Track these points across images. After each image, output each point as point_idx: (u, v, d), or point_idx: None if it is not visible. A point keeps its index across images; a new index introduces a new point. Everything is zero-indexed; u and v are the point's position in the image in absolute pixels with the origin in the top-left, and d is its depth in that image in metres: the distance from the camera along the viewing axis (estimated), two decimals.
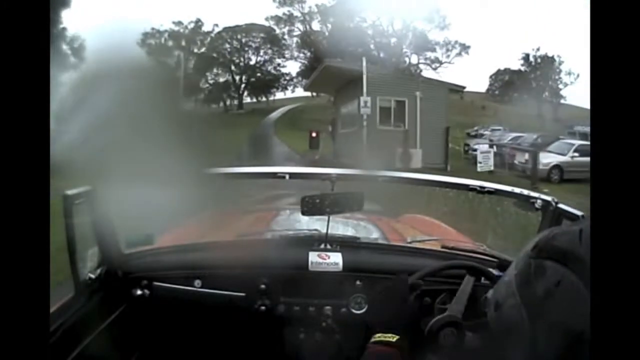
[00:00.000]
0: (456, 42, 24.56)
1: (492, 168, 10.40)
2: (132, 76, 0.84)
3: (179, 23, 24.00)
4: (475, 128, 20.32)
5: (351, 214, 1.45)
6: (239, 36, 25.56)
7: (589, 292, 0.41)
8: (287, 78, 26.65)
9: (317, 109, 22.05)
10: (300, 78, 25.90)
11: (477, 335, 1.01)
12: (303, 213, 1.20)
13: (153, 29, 22.85)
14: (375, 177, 1.34)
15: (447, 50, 24.56)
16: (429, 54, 24.71)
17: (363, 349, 0.84)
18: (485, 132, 18.86)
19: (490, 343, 0.59)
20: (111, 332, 1.12)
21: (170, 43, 23.68)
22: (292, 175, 1.30)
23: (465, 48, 24.60)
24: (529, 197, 1.24)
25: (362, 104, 12.31)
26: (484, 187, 1.28)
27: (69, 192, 0.99)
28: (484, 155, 10.75)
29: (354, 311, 1.21)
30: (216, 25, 24.99)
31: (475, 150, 13.29)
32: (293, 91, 26.93)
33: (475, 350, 0.89)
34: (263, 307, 1.21)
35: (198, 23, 24.45)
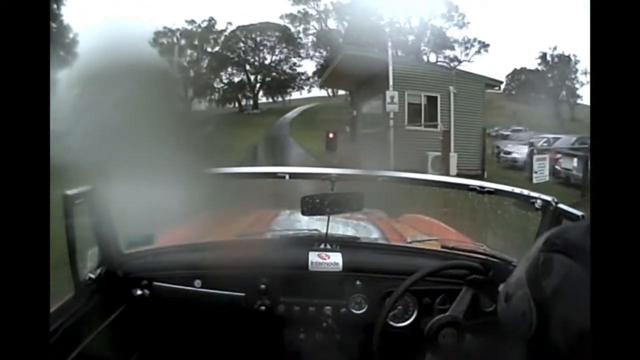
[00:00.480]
0: (475, 39, 23.65)
1: (547, 178, 8.39)
2: (129, 75, 0.84)
3: (192, 22, 23.34)
4: (496, 128, 19.14)
5: (351, 214, 1.45)
6: (253, 35, 24.84)
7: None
8: (303, 77, 25.84)
9: (333, 108, 21.41)
10: (316, 78, 25.10)
11: (477, 335, 1.01)
12: (303, 213, 1.20)
13: (165, 27, 22.22)
14: (375, 177, 1.34)
15: (466, 48, 23.67)
16: (448, 52, 23.81)
17: (363, 348, 0.84)
18: (507, 133, 18.02)
19: (492, 340, 0.60)
20: (111, 332, 1.12)
21: (183, 41, 23.08)
22: (292, 175, 1.30)
23: (484, 46, 23.70)
24: (528, 197, 1.24)
25: (388, 99, 10.05)
26: (484, 187, 1.28)
27: (69, 192, 0.99)
28: (540, 163, 8.47)
29: (354, 311, 1.21)
30: (230, 23, 24.34)
31: (508, 153, 11.83)
32: (309, 91, 26.14)
33: (475, 348, 0.89)
34: (263, 307, 1.21)
35: (211, 22, 23.73)
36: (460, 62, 23.73)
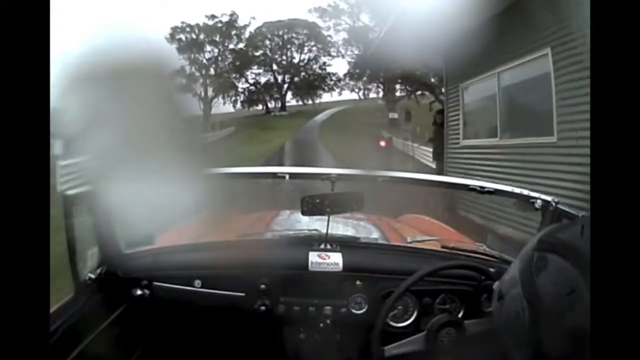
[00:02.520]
0: None
1: None
2: (129, 75, 0.84)
3: (212, 16, 21.52)
4: None
5: (351, 214, 1.45)
6: (280, 32, 23.06)
7: (588, 285, 0.42)
8: (334, 78, 23.83)
9: (367, 111, 19.47)
10: (347, 80, 23.03)
11: (477, 335, 1.01)
12: (303, 213, 1.20)
13: (183, 22, 20.84)
14: (375, 177, 1.34)
15: None
16: None
17: (363, 348, 0.84)
18: None
19: (492, 340, 0.61)
20: (111, 332, 1.12)
21: (202, 37, 21.27)
22: (292, 176, 1.30)
23: None
24: (528, 197, 1.24)
25: None
26: (484, 187, 1.28)
27: (69, 192, 0.99)
28: None
29: (354, 311, 1.21)
30: (253, 18, 22.65)
31: None
32: (340, 93, 24.18)
33: (475, 348, 0.89)
34: (263, 307, 1.21)
35: (233, 16, 21.85)
36: None
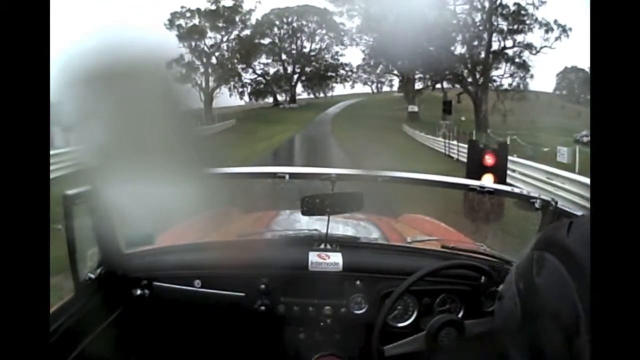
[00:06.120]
0: (556, 22, 19.26)
1: None
2: (128, 75, 0.84)
3: (215, 0, 20.17)
4: (584, 133, 15.37)
5: (351, 214, 1.45)
6: (289, 19, 21.62)
7: (572, 279, 0.43)
8: (347, 69, 22.08)
9: (382, 104, 18.22)
10: (360, 73, 21.38)
11: (477, 335, 1.01)
12: (303, 213, 1.20)
13: (183, 7, 19.66)
14: (375, 177, 1.34)
15: (546, 32, 19.25)
16: (523, 37, 18.99)
17: (363, 348, 0.84)
18: None
19: (492, 340, 0.62)
20: (111, 332, 1.13)
21: (203, 23, 19.89)
22: (292, 175, 1.30)
23: (564, 31, 19.41)
24: (528, 197, 1.24)
25: None
26: (484, 187, 1.28)
27: (69, 192, 0.99)
28: None
29: (353, 311, 1.21)
30: (259, 2, 20.98)
31: None
32: (352, 86, 22.48)
33: (475, 348, 0.90)
34: (263, 307, 1.21)
35: (237, 0, 20.45)
36: (538, 49, 19.30)
